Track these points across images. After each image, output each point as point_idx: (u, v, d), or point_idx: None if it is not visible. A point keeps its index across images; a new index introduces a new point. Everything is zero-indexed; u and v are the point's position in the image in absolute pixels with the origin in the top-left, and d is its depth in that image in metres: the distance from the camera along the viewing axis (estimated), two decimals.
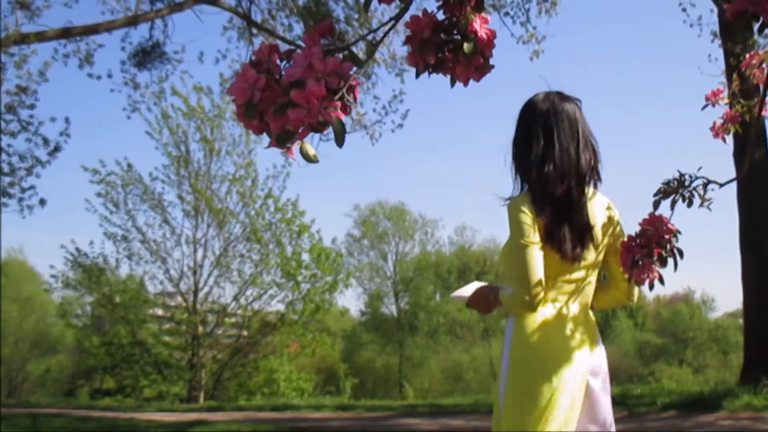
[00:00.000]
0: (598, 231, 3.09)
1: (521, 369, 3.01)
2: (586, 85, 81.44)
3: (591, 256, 3.07)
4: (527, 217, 2.97)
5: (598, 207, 3.13)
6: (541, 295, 2.91)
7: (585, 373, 2.99)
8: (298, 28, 15.47)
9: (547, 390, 2.92)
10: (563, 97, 3.17)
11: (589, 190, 3.11)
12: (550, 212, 2.98)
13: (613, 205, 3.20)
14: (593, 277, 3.14)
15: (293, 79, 1.76)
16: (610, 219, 3.14)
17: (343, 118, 1.75)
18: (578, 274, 3.07)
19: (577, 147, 3.08)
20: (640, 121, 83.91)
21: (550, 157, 3.04)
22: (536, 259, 2.92)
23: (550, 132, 3.08)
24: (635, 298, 3.29)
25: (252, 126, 1.82)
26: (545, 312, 3.00)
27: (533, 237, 2.95)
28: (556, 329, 2.99)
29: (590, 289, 3.15)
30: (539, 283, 2.90)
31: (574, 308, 3.07)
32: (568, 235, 2.99)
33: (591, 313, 3.19)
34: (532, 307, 2.92)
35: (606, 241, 3.13)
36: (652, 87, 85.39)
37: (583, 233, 3.03)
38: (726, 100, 4.18)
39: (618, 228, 3.18)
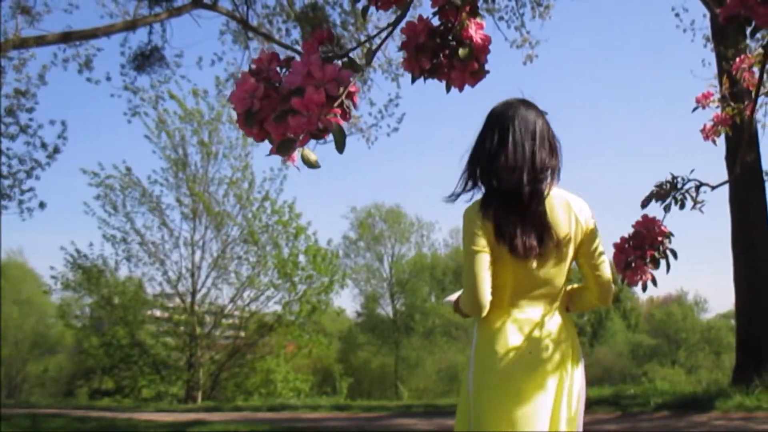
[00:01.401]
0: (559, 230, 3.06)
1: (475, 372, 3.11)
2: (579, 89, 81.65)
3: (552, 255, 3.07)
4: (475, 224, 3.03)
5: (558, 206, 3.10)
6: (485, 300, 2.99)
7: (536, 374, 3.01)
8: (296, 33, 15.55)
9: (489, 392, 3.02)
10: (525, 103, 3.20)
11: (547, 189, 3.09)
12: (500, 208, 3.01)
13: (579, 205, 3.15)
14: (559, 279, 3.12)
15: (293, 87, 1.78)
16: (572, 218, 3.10)
17: (343, 124, 1.79)
18: (539, 277, 3.08)
19: (533, 145, 3.08)
20: (633, 125, 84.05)
21: (503, 151, 3.06)
22: (481, 266, 3.00)
23: (505, 130, 3.10)
24: (609, 301, 3.25)
25: (253, 134, 1.85)
26: (502, 316, 3.07)
27: (479, 244, 3.01)
28: (509, 332, 3.03)
29: (556, 291, 3.13)
30: (483, 288, 2.99)
31: (534, 311, 3.09)
32: (519, 230, 2.99)
33: (564, 315, 3.19)
34: (477, 311, 3.04)
35: (570, 240, 3.10)
36: (646, 91, 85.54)
37: (540, 229, 3.03)
38: (716, 103, 4.27)
39: (585, 228, 3.13)
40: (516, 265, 3.02)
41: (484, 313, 3.04)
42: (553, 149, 3.14)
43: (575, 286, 3.32)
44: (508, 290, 3.07)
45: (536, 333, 3.05)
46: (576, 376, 3.11)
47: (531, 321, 3.06)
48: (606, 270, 3.17)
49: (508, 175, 3.02)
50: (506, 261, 3.02)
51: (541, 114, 3.17)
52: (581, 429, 3.13)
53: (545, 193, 3.07)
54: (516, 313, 3.07)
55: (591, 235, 3.14)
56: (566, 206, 3.10)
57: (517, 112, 3.11)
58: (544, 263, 3.06)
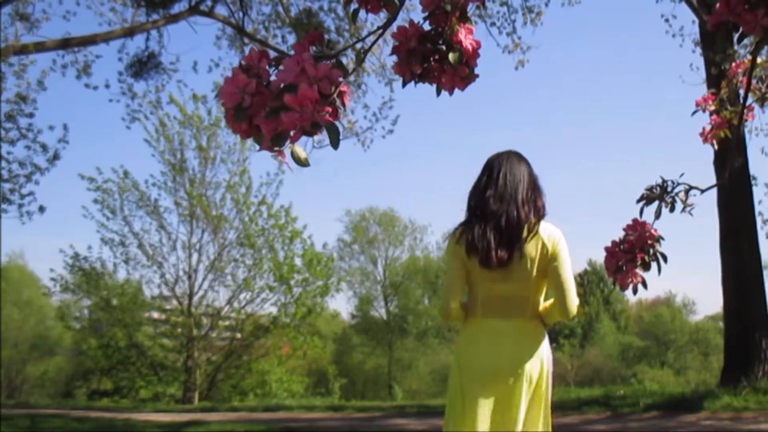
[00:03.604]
0: (531, 252, 3.52)
1: (451, 373, 3.62)
2: (572, 93, 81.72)
3: (518, 272, 3.51)
4: (452, 247, 3.61)
5: (531, 234, 3.53)
6: (451, 306, 3.55)
7: (499, 377, 3.45)
8: (291, 39, 15.63)
9: (454, 393, 3.53)
10: (516, 153, 3.75)
11: (533, 220, 3.56)
12: (480, 228, 3.51)
13: (548, 232, 3.58)
14: (525, 293, 3.56)
15: (286, 83, 1.81)
16: (539, 243, 3.53)
17: (334, 121, 1.85)
18: (507, 291, 3.54)
19: (520, 184, 3.60)
20: (623, 129, 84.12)
21: (493, 186, 3.60)
22: (451, 280, 3.58)
23: (496, 171, 3.64)
24: (570, 315, 3.60)
25: (240, 130, 1.89)
26: (476, 324, 3.55)
27: (453, 264, 3.60)
28: (481, 338, 3.55)
29: (523, 304, 3.57)
30: (450, 298, 3.55)
31: (503, 321, 3.54)
32: (494, 244, 3.46)
33: (532, 325, 3.61)
34: (444, 315, 3.61)
35: (535, 261, 3.53)
36: (636, 95, 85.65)
37: (512, 246, 3.48)
38: (713, 107, 4.33)
39: (551, 250, 3.55)
40: (487, 280, 3.55)
41: (451, 318, 3.60)
42: (538, 190, 3.61)
43: (549, 302, 3.69)
44: (480, 302, 3.54)
45: (504, 340, 3.49)
46: (542, 379, 3.54)
47: (500, 329, 3.51)
48: (567, 287, 3.56)
49: (495, 204, 3.55)
50: (479, 277, 3.57)
51: (529, 164, 3.66)
52: (549, 426, 3.59)
53: (527, 221, 3.54)
54: (488, 322, 3.55)
55: (555, 257, 3.56)
56: (536, 234, 3.55)
57: (508, 159, 3.63)
58: (511, 279, 3.53)
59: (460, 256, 3.56)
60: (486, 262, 3.47)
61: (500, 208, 3.53)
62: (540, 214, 3.62)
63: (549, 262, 3.55)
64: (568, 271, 3.58)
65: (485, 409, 3.41)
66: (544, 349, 3.60)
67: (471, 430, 3.39)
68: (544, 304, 3.69)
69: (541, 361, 3.56)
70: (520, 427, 3.42)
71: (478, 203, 3.61)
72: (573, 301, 3.56)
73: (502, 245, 3.47)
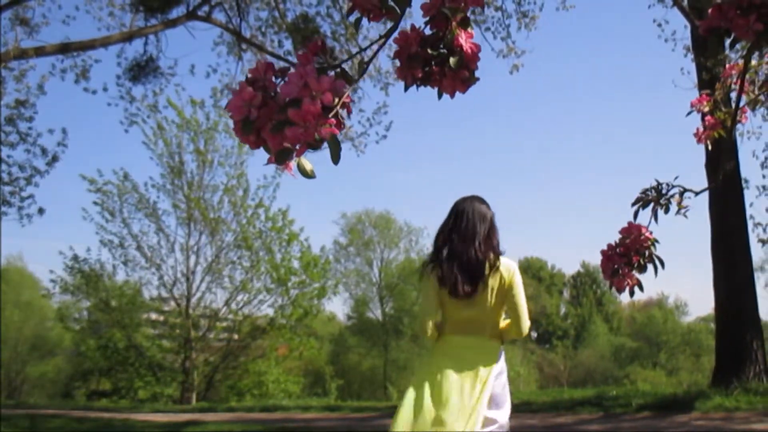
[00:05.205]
0: (492, 284, 4.13)
1: (416, 374, 4.25)
2: (566, 96, 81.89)
3: (481, 301, 4.13)
4: (426, 277, 4.21)
5: (492, 269, 4.14)
6: (428, 326, 4.19)
7: (454, 385, 3.96)
8: (288, 44, 15.74)
9: (411, 394, 4.04)
10: (478, 198, 4.38)
11: (492, 258, 4.15)
12: (448, 265, 4.11)
13: (506, 265, 4.20)
14: (485, 318, 4.19)
15: (289, 98, 1.82)
16: (499, 275, 4.14)
17: (338, 133, 1.86)
18: (470, 316, 4.16)
19: (481, 226, 4.22)
20: (618, 132, 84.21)
21: (458, 228, 4.21)
22: (429, 305, 4.20)
23: (461, 215, 4.25)
24: (524, 334, 4.30)
25: (249, 141, 1.90)
26: (442, 340, 4.23)
27: (429, 291, 4.19)
28: (444, 351, 4.16)
29: (482, 326, 4.20)
30: (430, 319, 4.19)
31: (464, 338, 4.19)
32: (460, 279, 4.07)
33: (488, 342, 4.21)
34: (423, 333, 4.25)
35: (495, 291, 4.14)
36: (632, 98, 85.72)
37: (476, 280, 4.10)
38: (707, 108, 4.36)
39: (508, 281, 4.17)
40: (455, 306, 4.16)
41: (428, 334, 4.21)
42: (494, 230, 4.31)
43: (507, 321, 4.31)
44: (448, 323, 4.24)
45: (463, 353, 4.13)
46: (489, 384, 4.02)
47: (461, 344, 4.19)
48: (521, 312, 4.22)
49: (459, 244, 4.17)
50: (448, 303, 4.18)
51: (489, 208, 4.37)
52: (505, 421, 4.10)
53: (485, 258, 4.14)
54: (452, 339, 4.22)
55: (511, 287, 4.20)
56: (497, 269, 4.17)
57: (472, 204, 4.32)
58: (474, 306, 4.15)
59: (434, 286, 4.16)
60: (454, 293, 4.08)
61: (463, 248, 4.14)
62: (497, 252, 4.22)
63: (507, 291, 4.19)
64: (523, 298, 4.24)
65: (438, 403, 3.92)
66: (499, 359, 4.20)
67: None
68: (503, 322, 4.31)
69: (491, 369, 4.08)
70: (473, 419, 3.88)
71: (444, 242, 4.22)
72: (526, 323, 4.24)
73: (466, 280, 4.08)
